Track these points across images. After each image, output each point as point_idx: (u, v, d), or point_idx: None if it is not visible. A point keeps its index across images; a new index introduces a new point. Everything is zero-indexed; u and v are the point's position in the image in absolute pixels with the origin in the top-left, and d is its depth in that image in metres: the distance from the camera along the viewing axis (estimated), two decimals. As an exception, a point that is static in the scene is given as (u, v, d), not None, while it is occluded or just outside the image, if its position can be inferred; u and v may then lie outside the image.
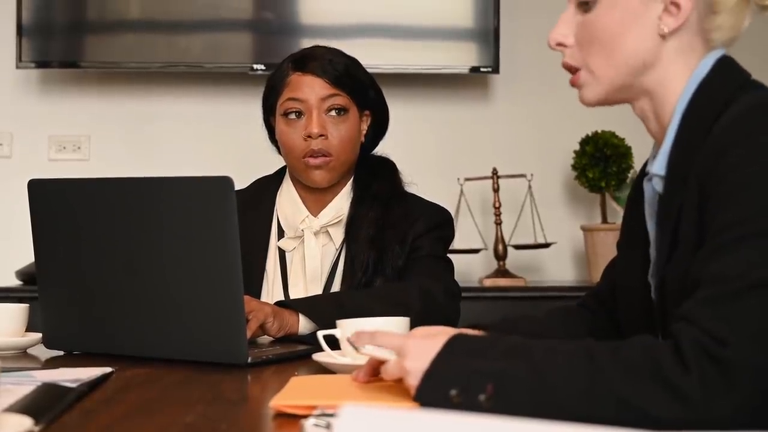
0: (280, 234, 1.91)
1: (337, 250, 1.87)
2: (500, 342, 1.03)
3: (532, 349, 0.99)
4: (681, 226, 1.08)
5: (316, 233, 1.87)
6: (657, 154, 1.16)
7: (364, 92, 1.90)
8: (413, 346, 1.04)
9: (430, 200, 1.95)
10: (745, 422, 0.90)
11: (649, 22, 1.14)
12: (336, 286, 1.84)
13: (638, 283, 1.21)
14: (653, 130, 1.20)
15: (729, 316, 0.93)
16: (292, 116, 1.85)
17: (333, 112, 1.84)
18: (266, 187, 1.97)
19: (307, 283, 1.85)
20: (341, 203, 1.90)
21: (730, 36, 1.16)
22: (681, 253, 1.08)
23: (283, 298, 1.82)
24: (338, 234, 1.88)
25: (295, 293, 1.84)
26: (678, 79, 1.15)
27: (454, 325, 1.57)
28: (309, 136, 1.83)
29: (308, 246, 1.86)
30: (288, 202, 1.92)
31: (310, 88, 1.84)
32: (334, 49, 1.92)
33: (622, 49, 1.15)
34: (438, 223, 1.90)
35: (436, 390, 0.98)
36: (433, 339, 1.04)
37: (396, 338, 1.08)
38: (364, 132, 1.93)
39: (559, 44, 1.20)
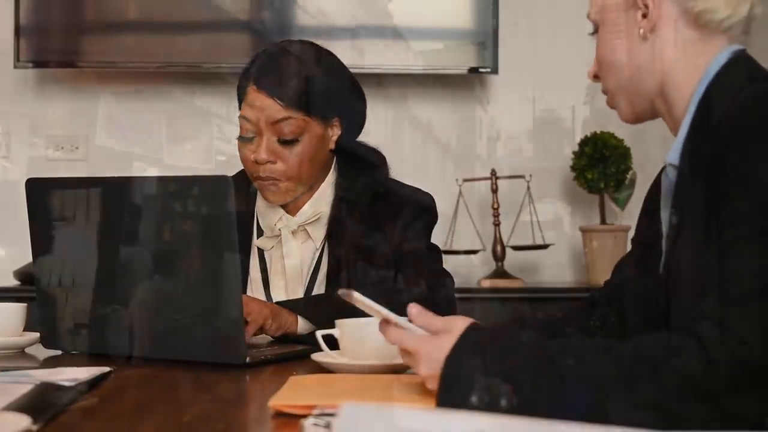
0: (260, 233, 1.86)
1: (317, 248, 1.83)
2: (511, 337, 1.02)
3: (547, 348, 0.99)
4: (686, 213, 1.09)
5: (293, 232, 1.83)
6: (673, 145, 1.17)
7: (326, 104, 1.79)
8: (427, 349, 1.04)
9: (411, 186, 1.90)
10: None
11: (632, 29, 1.18)
12: (320, 286, 1.81)
13: (650, 275, 1.21)
14: (670, 126, 1.22)
15: (750, 318, 0.94)
16: (245, 134, 1.77)
17: (285, 138, 1.74)
18: (245, 185, 1.86)
19: (287, 283, 1.81)
20: (319, 201, 1.84)
21: (729, 17, 1.15)
22: (684, 239, 1.08)
23: (264, 299, 1.79)
24: (317, 232, 1.83)
25: (276, 293, 1.81)
26: (685, 73, 1.16)
27: (454, 304, 1.66)
28: (257, 162, 1.76)
29: (286, 245, 1.82)
30: (264, 200, 1.86)
31: (261, 111, 1.74)
32: (298, 55, 1.80)
33: (615, 60, 1.20)
34: (420, 212, 1.86)
35: (455, 396, 0.98)
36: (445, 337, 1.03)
37: (413, 340, 1.07)
38: (335, 137, 1.83)
39: (595, 76, 1.25)
